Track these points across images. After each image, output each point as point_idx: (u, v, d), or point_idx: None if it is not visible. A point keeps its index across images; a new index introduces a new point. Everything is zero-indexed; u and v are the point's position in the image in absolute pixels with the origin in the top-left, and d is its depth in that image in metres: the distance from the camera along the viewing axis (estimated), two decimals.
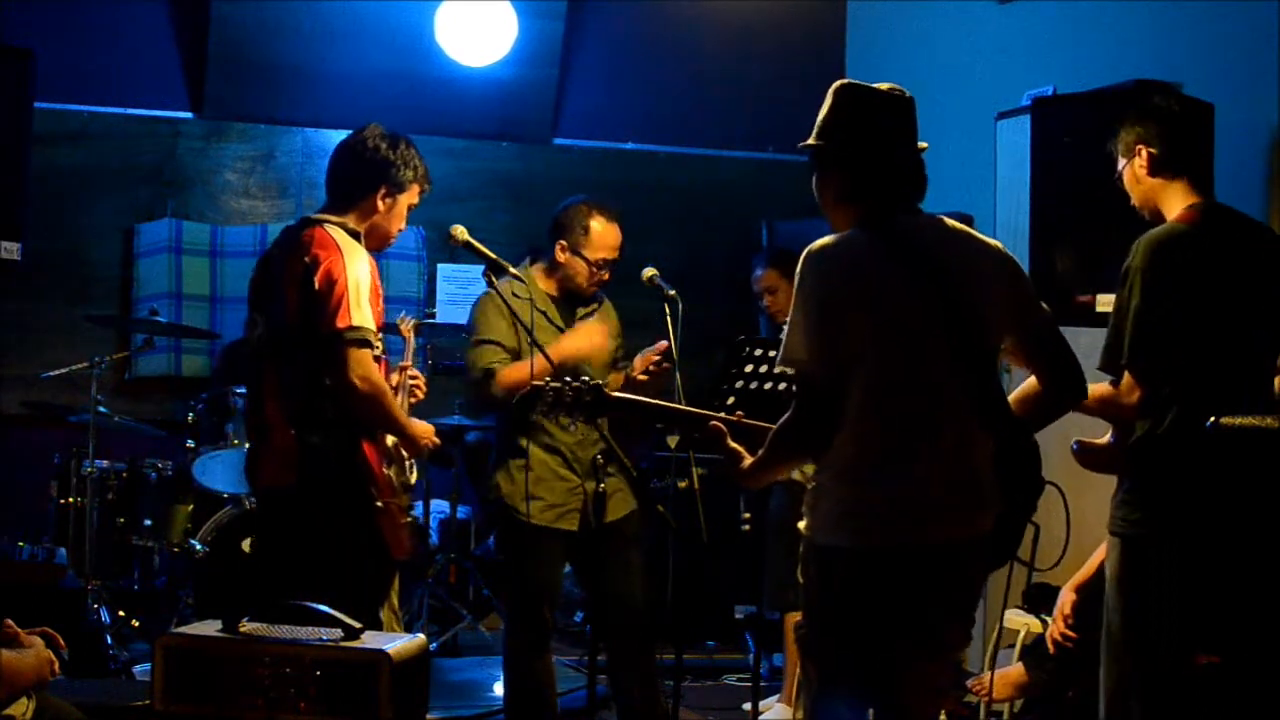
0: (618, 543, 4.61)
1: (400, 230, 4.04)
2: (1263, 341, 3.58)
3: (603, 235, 4.63)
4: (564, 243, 4.65)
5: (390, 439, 3.92)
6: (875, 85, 3.21)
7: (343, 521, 3.80)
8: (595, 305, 4.77)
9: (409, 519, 3.98)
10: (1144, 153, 3.62)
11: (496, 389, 4.48)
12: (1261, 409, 3.49)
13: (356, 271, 3.76)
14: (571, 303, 4.73)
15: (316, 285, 3.72)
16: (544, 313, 4.62)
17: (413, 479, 4.08)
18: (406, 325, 4.53)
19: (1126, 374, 3.47)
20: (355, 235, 3.88)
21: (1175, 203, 3.60)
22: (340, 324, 3.70)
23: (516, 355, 4.55)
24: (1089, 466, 3.73)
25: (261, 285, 3.96)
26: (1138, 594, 3.51)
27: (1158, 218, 3.63)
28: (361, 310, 3.73)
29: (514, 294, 4.54)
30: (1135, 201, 3.69)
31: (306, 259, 3.76)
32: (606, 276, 4.70)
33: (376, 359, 3.82)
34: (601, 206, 4.68)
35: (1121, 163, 3.69)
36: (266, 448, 3.89)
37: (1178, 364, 3.46)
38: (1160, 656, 3.49)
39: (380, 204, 3.93)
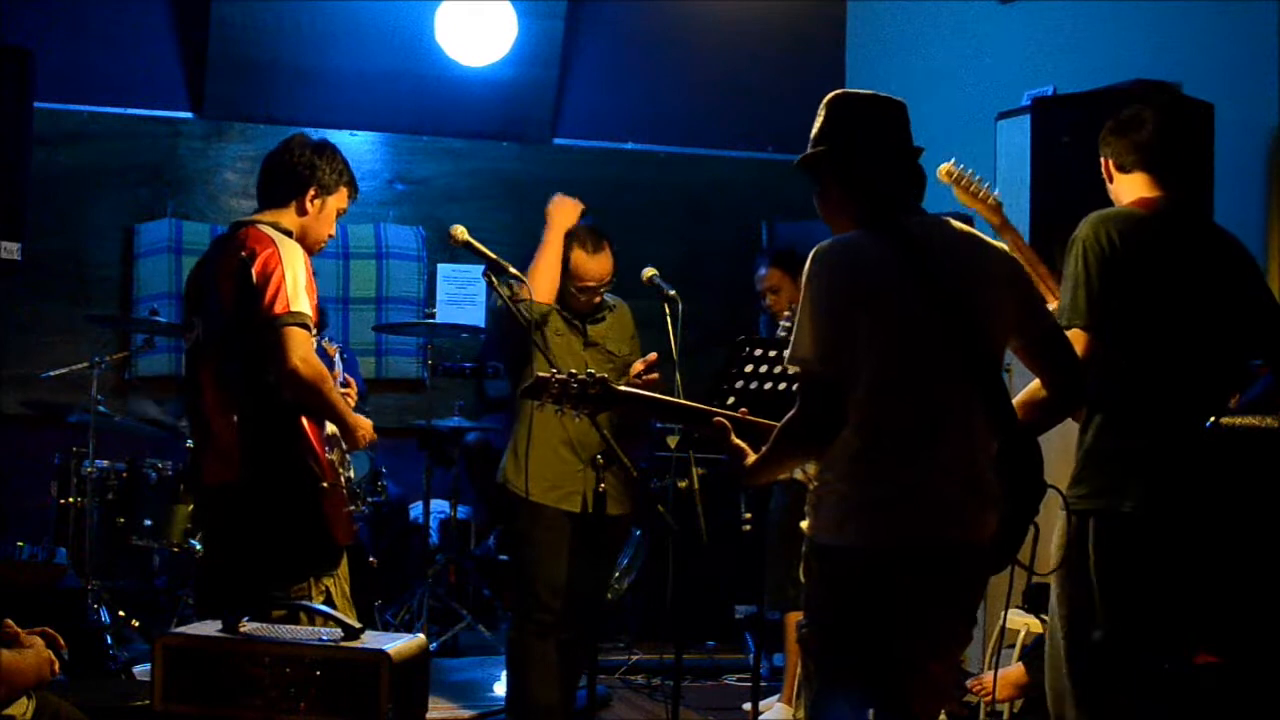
0: (608, 537, 4.66)
1: (330, 235, 4.09)
2: (1211, 334, 3.61)
3: (581, 266, 4.69)
4: None
5: (330, 428, 3.93)
6: (864, 91, 3.26)
7: (287, 502, 3.80)
8: (607, 310, 4.83)
9: (351, 508, 3.98)
10: (1104, 162, 3.77)
11: (528, 293, 4.55)
12: (1215, 405, 3.52)
13: (294, 264, 3.79)
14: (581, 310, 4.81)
15: (254, 278, 3.75)
16: (559, 311, 4.70)
17: (351, 474, 4.10)
18: (331, 347, 4.61)
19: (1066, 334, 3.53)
20: (288, 234, 3.93)
21: (1129, 195, 3.71)
22: (279, 309, 3.72)
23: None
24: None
25: (197, 289, 4.00)
26: (1077, 572, 3.56)
27: None
28: (300, 298, 3.75)
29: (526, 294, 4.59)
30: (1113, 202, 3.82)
31: (243, 253, 3.80)
32: (597, 299, 4.77)
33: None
34: (586, 238, 4.73)
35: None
36: (208, 447, 3.90)
37: (1128, 338, 3.52)
38: (1091, 646, 3.53)
39: (309, 205, 3.99)
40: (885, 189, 3.15)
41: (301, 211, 3.98)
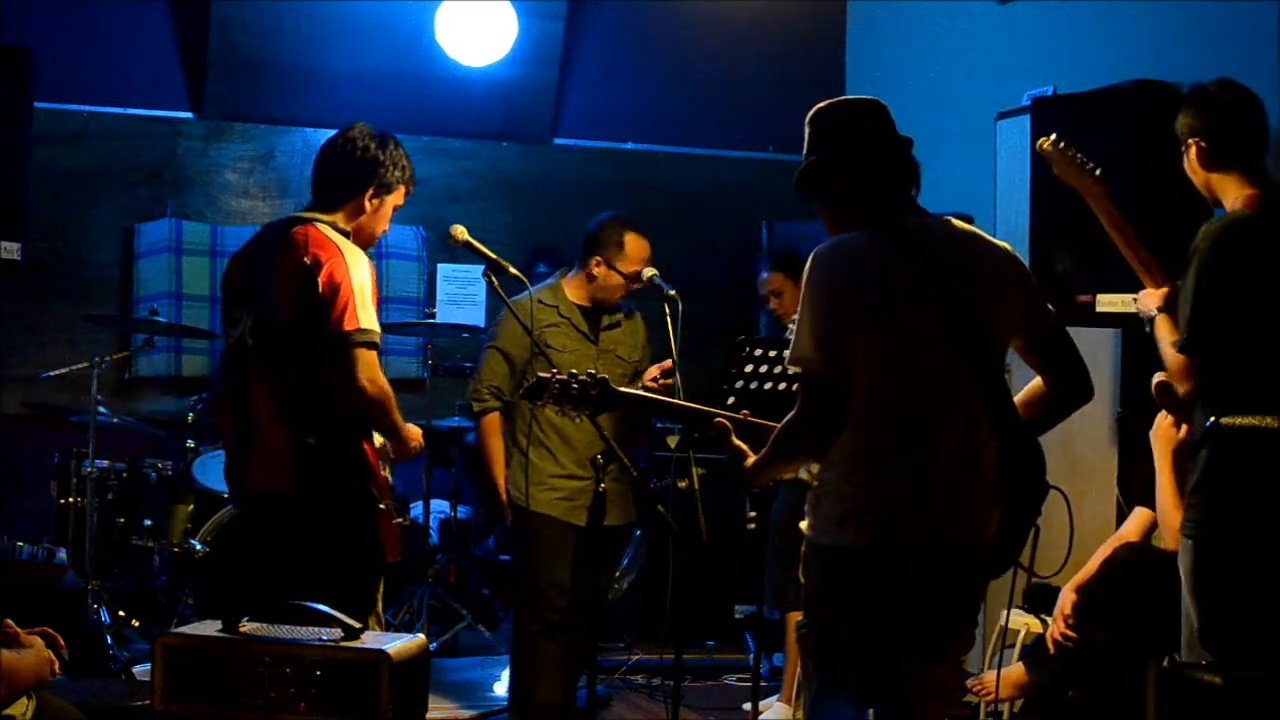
0: (610, 547, 4.70)
1: (385, 231, 4.00)
2: None
3: (636, 249, 4.80)
4: (599, 258, 4.80)
5: (379, 440, 3.90)
6: (841, 99, 3.28)
7: (345, 524, 3.77)
8: (620, 315, 4.93)
9: (400, 520, 3.97)
10: (1194, 146, 3.63)
11: (480, 428, 4.85)
12: None
13: (360, 274, 3.71)
14: (598, 313, 4.89)
15: (320, 288, 3.66)
16: (568, 318, 4.81)
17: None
18: None
19: (1182, 358, 3.48)
20: (345, 235, 3.83)
21: (1232, 193, 3.59)
22: (349, 326, 3.65)
23: (527, 363, 4.71)
24: (1164, 404, 3.74)
25: (245, 283, 3.88)
26: (1208, 596, 3.51)
27: (1219, 206, 3.64)
28: (368, 313, 3.68)
29: (540, 301, 4.64)
30: (1198, 187, 3.69)
31: (306, 259, 3.70)
32: (636, 287, 4.85)
33: None
34: (632, 222, 4.85)
35: (1183, 150, 3.68)
36: (254, 449, 3.81)
37: (1237, 354, 3.46)
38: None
39: (368, 204, 3.88)
40: (882, 190, 3.15)
41: (359, 211, 3.88)
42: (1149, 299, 3.70)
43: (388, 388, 3.74)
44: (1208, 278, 3.44)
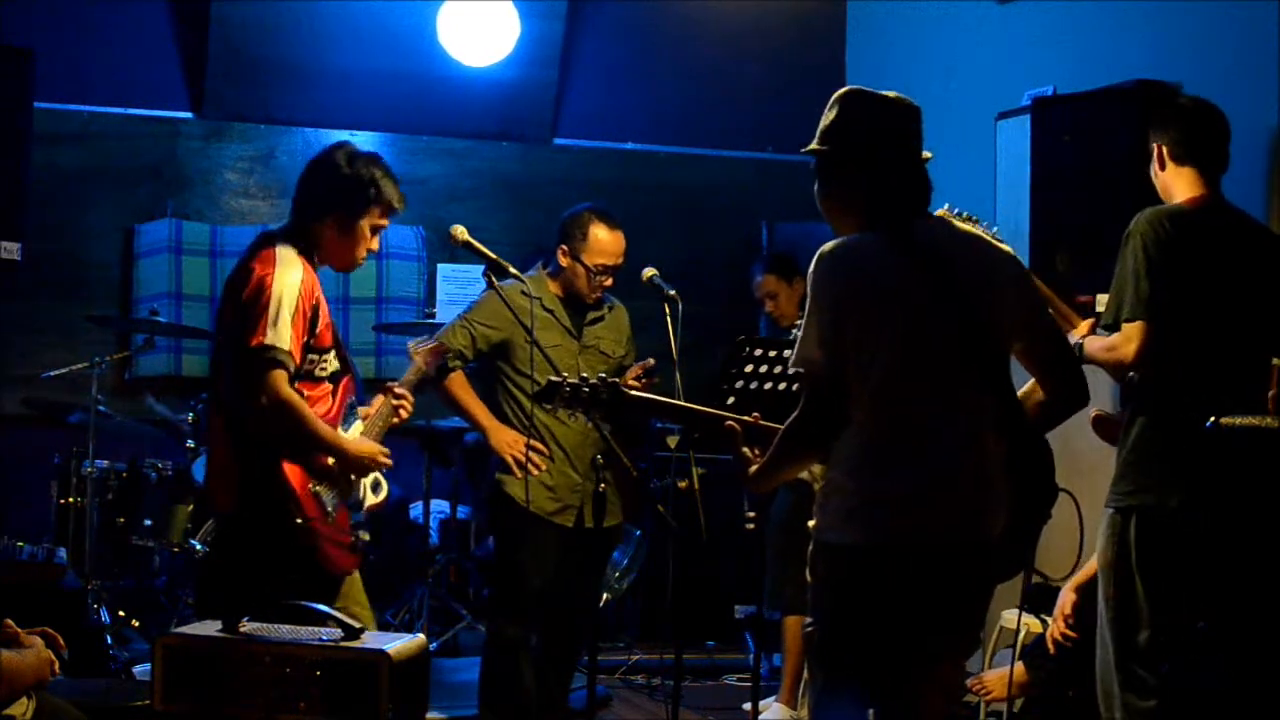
0: (602, 549, 4.69)
1: (370, 250, 3.86)
2: (1254, 334, 3.63)
3: (602, 242, 4.70)
4: (565, 247, 4.74)
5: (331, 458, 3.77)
6: (881, 92, 3.20)
7: (266, 539, 3.68)
8: (605, 309, 4.85)
9: (350, 538, 3.82)
10: (1158, 148, 3.79)
11: (446, 387, 4.66)
12: (1258, 405, 3.53)
13: (282, 285, 3.62)
14: (580, 307, 4.81)
15: (244, 297, 3.62)
16: (551, 311, 4.71)
17: (375, 497, 3.96)
18: (418, 350, 4.50)
19: (1125, 325, 3.58)
20: (306, 251, 3.76)
21: (1182, 192, 3.74)
22: (252, 341, 3.57)
23: (502, 347, 4.64)
24: (1104, 437, 3.87)
25: (222, 302, 3.86)
26: (1120, 572, 3.62)
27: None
28: (277, 329, 3.57)
29: (522, 292, 4.59)
30: (1158, 190, 3.84)
31: (243, 271, 3.69)
32: (608, 283, 4.78)
33: (309, 376, 3.69)
34: (604, 214, 4.76)
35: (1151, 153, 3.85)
36: (212, 470, 3.84)
37: (1179, 335, 3.55)
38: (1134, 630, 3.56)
39: (332, 222, 3.80)
40: (891, 194, 3.13)
41: (323, 229, 3.81)
42: (1071, 335, 3.83)
43: (292, 400, 3.60)
44: (1153, 254, 3.57)
